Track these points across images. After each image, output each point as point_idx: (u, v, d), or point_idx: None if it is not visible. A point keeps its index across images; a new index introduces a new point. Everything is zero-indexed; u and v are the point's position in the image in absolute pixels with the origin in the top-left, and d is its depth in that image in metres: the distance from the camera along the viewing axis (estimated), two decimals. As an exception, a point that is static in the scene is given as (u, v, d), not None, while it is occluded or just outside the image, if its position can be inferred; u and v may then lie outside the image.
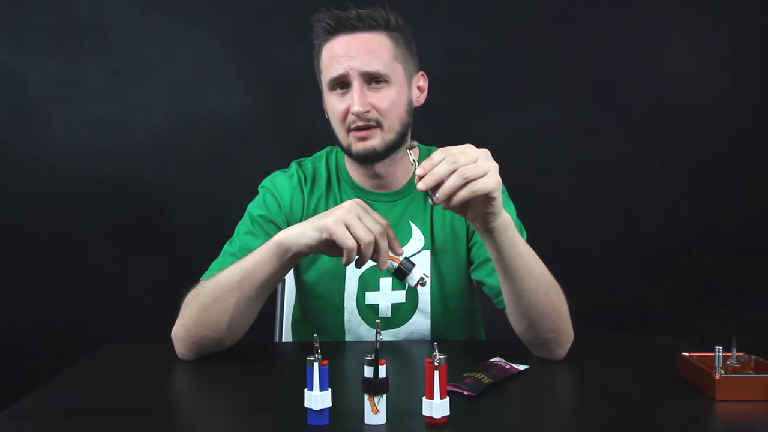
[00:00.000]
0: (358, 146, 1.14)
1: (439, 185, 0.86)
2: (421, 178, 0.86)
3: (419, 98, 1.21)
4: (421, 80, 1.22)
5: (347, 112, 1.13)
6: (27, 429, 0.77)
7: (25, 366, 2.14)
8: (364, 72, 1.11)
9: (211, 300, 1.03)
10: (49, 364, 1.32)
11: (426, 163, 0.87)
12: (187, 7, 2.15)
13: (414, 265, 0.99)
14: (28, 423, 0.79)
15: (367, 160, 1.17)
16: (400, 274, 0.99)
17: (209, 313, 1.03)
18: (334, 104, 1.15)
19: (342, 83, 1.13)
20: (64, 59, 2.13)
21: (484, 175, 0.86)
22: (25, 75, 2.12)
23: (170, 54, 2.15)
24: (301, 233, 0.98)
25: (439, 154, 0.87)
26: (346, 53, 1.11)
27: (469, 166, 0.85)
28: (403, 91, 1.16)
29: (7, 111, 2.13)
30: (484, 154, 0.89)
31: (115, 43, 2.14)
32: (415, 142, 1.08)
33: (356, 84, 1.11)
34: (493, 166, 0.88)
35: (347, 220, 0.94)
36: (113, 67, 2.14)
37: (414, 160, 0.97)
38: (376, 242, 0.94)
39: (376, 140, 1.14)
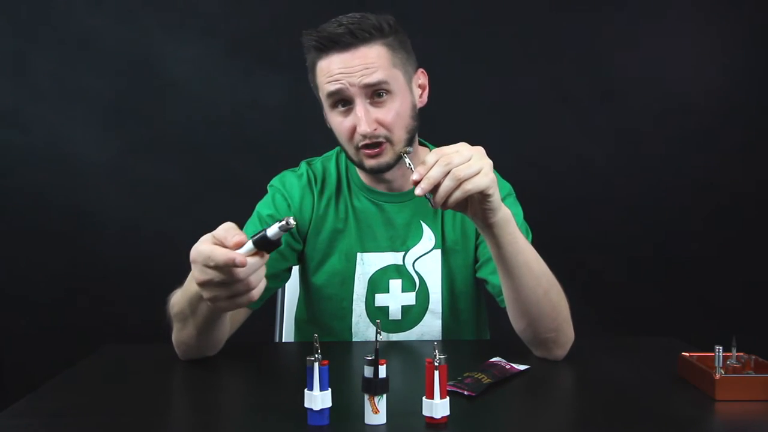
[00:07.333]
0: (371, 162, 1.12)
1: (436, 188, 0.86)
2: (416, 183, 0.86)
3: (422, 97, 1.17)
4: (421, 77, 1.17)
5: (354, 130, 1.09)
6: (27, 429, 0.77)
7: (25, 366, 2.13)
8: (365, 84, 1.06)
9: (179, 325, 1.00)
10: (49, 364, 1.32)
11: (421, 168, 0.86)
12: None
13: (264, 229, 0.76)
14: (28, 423, 0.79)
15: (380, 173, 1.15)
16: (266, 243, 0.76)
17: (181, 333, 1.00)
18: (339, 123, 1.11)
19: (343, 100, 1.09)
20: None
21: (477, 174, 0.86)
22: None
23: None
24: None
25: (432, 156, 0.87)
26: (342, 70, 1.06)
27: (462, 166, 0.86)
28: (406, 98, 1.12)
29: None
30: (478, 152, 0.89)
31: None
32: (410, 148, 1.06)
33: (359, 101, 1.07)
34: (487, 164, 0.88)
35: (208, 292, 0.79)
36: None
37: (410, 164, 0.95)
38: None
39: (387, 156, 1.11)
